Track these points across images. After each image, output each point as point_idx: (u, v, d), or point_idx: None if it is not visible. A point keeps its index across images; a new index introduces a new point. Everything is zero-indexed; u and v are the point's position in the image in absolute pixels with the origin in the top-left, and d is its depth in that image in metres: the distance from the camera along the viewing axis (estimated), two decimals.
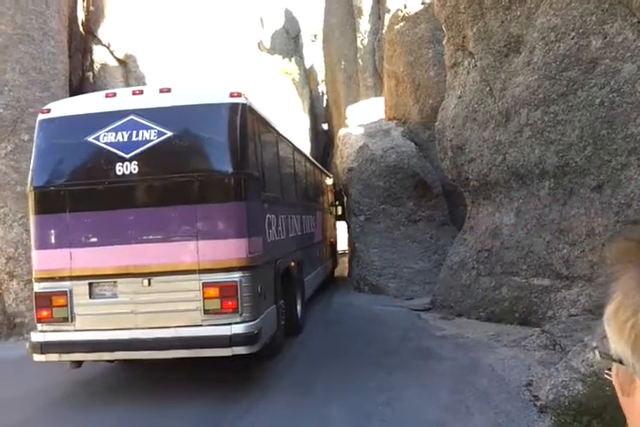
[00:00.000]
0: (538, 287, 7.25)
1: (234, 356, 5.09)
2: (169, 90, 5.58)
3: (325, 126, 32.93)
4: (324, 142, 29.99)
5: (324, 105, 33.88)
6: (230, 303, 5.05)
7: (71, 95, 9.82)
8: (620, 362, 0.63)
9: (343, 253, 17.75)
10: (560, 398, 4.48)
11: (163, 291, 5.12)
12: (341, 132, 14.28)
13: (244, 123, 5.59)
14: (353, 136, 13.05)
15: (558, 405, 4.00)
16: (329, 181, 14.94)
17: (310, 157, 11.84)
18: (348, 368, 6.01)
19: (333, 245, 15.04)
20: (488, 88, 8.21)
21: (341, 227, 16.71)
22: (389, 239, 11.82)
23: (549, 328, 6.30)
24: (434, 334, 7.40)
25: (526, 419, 4.34)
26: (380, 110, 15.77)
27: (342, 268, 16.16)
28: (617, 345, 0.63)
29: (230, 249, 5.18)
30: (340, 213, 16.02)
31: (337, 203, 16.01)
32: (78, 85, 12.15)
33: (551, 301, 7.00)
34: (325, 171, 14.82)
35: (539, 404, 4.62)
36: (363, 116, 15.65)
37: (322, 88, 34.09)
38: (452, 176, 9.33)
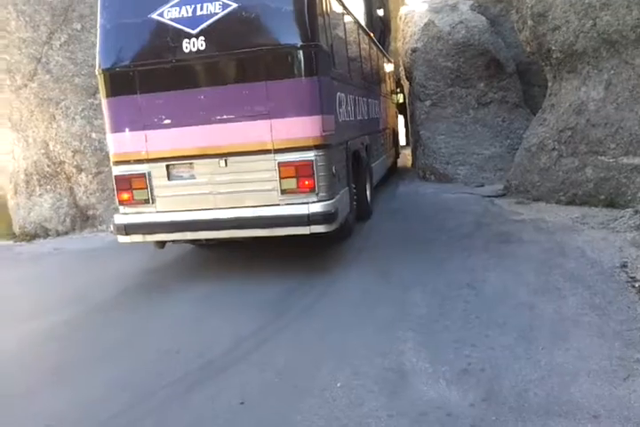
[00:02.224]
0: (628, 167, 6.66)
1: (309, 236, 5.05)
2: None
3: (381, 12, 30.90)
4: (379, 29, 28.17)
5: None
6: (307, 182, 4.98)
7: None
8: None
9: (402, 147, 17.25)
10: None
11: (239, 171, 5.09)
12: (403, 10, 13.11)
13: None
14: (416, 13, 11.94)
15: None
16: (390, 68, 14.06)
17: (374, 38, 10.98)
18: (422, 252, 5.80)
19: (396, 134, 14.47)
20: None
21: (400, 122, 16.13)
22: (457, 124, 11.12)
23: None
24: (511, 218, 7.00)
25: (625, 300, 4.01)
26: None
27: (404, 160, 15.73)
28: None
29: (304, 127, 4.99)
30: (400, 101, 15.31)
31: (398, 90, 15.26)
32: None
33: None
34: (387, 55, 13.91)
35: (637, 285, 4.29)
36: None
37: None
38: (531, 49, 8.43)
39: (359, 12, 23.10)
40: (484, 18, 11.20)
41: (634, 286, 4.29)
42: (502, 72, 10.98)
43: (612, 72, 6.85)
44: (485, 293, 4.44)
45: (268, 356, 3.66)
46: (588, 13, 6.96)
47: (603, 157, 6.99)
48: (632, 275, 4.50)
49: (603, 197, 6.94)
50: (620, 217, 5.98)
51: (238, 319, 4.36)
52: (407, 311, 4.18)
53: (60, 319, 4.78)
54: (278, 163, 5.00)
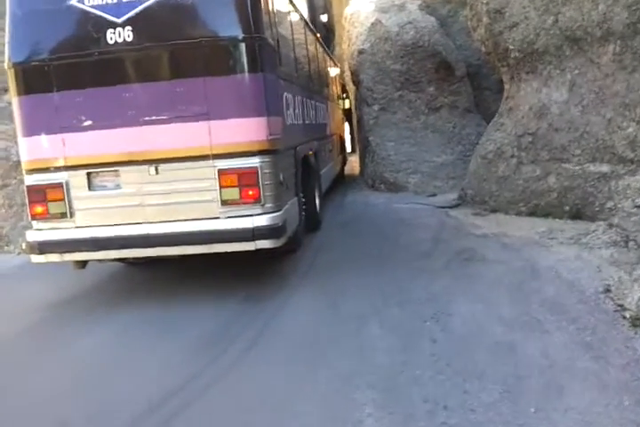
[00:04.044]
0: (594, 175, 6.13)
1: (252, 253, 4.49)
2: None
3: (324, 18, 30.53)
4: (322, 36, 27.80)
5: None
6: (251, 192, 4.43)
7: None
8: None
9: (349, 154, 16.76)
10: None
11: (173, 180, 4.53)
12: (348, 10, 12.48)
13: None
14: (362, 13, 11.34)
15: None
16: (336, 72, 13.43)
17: (320, 38, 10.29)
18: (377, 273, 5.06)
19: (343, 140, 13.84)
20: None
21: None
22: (407, 130, 10.54)
23: (619, 222, 5.26)
24: (471, 232, 6.37)
25: (620, 337, 3.38)
26: None
27: (350, 167, 15.13)
28: None
29: (247, 130, 4.45)
30: (347, 106, 14.79)
31: (344, 96, 14.70)
32: None
33: (611, 190, 5.89)
34: (334, 58, 13.28)
35: (628, 315, 3.68)
36: None
37: None
38: (486, 48, 7.88)
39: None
40: (433, 18, 10.69)
41: (624, 317, 3.67)
42: (452, 75, 10.48)
43: (577, 72, 6.33)
44: (454, 329, 3.72)
45: (193, 423, 2.81)
46: (549, 9, 6.43)
47: (567, 165, 6.46)
48: (619, 302, 3.89)
49: (568, 207, 6.40)
50: (593, 231, 5.41)
51: (159, 368, 3.49)
52: (365, 358, 3.38)
53: None
54: (218, 170, 4.43)
